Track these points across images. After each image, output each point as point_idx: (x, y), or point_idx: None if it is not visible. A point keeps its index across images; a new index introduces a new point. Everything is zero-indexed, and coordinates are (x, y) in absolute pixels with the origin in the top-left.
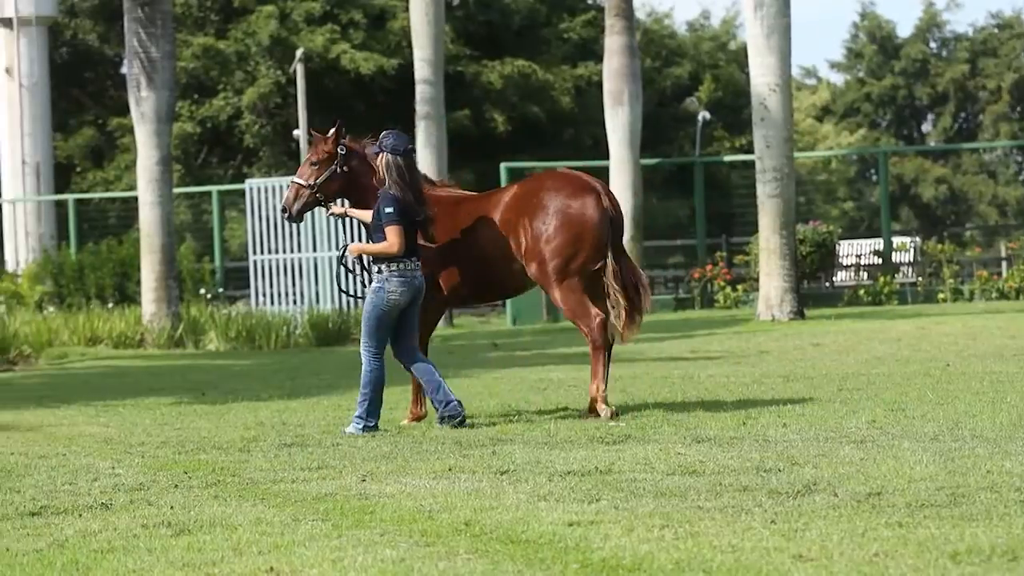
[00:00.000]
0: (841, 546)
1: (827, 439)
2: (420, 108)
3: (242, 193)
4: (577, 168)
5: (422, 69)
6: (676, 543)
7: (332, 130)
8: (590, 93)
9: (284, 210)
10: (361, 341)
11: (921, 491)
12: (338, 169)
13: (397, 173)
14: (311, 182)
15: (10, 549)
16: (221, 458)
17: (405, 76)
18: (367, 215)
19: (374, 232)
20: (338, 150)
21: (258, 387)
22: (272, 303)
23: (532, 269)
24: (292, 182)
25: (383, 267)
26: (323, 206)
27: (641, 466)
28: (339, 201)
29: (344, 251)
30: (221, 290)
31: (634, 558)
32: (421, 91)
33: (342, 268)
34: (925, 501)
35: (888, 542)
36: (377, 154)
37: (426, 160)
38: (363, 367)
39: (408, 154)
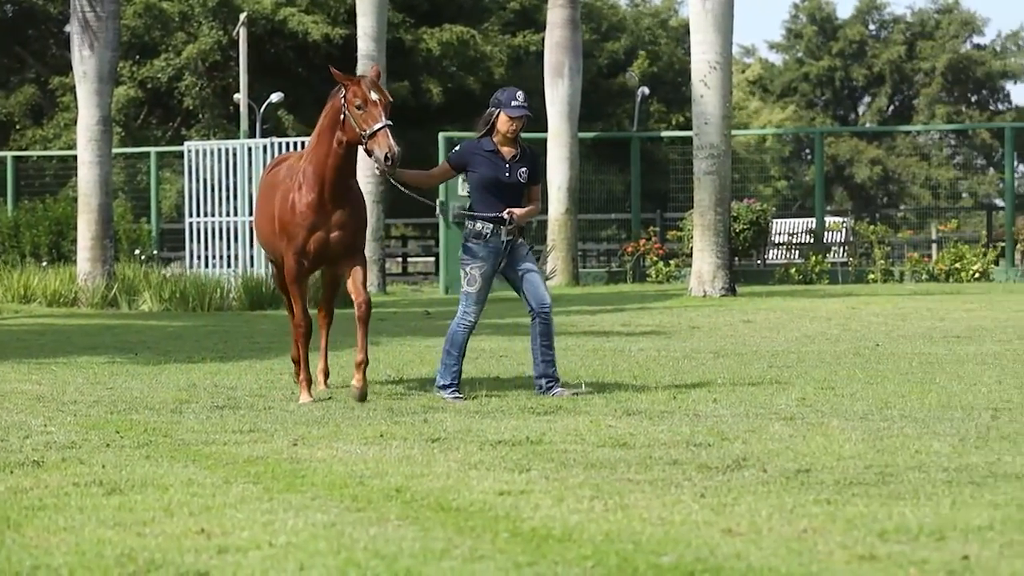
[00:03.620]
0: (770, 521)
1: (757, 415)
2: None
3: (177, 155)
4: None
5: (364, 37)
6: (606, 515)
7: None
8: (527, 63)
9: (395, 159)
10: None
11: (850, 469)
12: None
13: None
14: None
15: None
16: (153, 418)
17: (347, 43)
18: (419, 177)
19: (510, 193)
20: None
21: (191, 349)
22: (206, 266)
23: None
24: (389, 125)
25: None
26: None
27: (572, 437)
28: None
29: (511, 219)
30: (156, 251)
31: (564, 528)
32: (363, 60)
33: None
34: (854, 479)
35: (816, 519)
36: (498, 112)
37: None
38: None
39: None
